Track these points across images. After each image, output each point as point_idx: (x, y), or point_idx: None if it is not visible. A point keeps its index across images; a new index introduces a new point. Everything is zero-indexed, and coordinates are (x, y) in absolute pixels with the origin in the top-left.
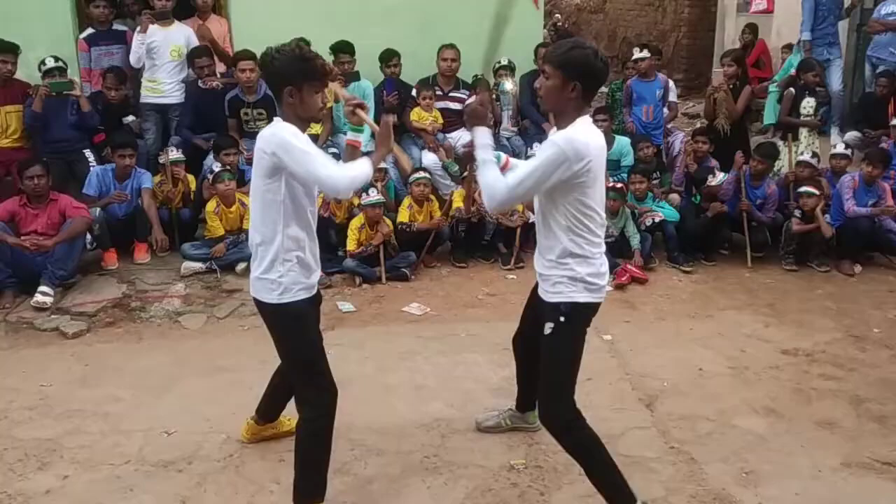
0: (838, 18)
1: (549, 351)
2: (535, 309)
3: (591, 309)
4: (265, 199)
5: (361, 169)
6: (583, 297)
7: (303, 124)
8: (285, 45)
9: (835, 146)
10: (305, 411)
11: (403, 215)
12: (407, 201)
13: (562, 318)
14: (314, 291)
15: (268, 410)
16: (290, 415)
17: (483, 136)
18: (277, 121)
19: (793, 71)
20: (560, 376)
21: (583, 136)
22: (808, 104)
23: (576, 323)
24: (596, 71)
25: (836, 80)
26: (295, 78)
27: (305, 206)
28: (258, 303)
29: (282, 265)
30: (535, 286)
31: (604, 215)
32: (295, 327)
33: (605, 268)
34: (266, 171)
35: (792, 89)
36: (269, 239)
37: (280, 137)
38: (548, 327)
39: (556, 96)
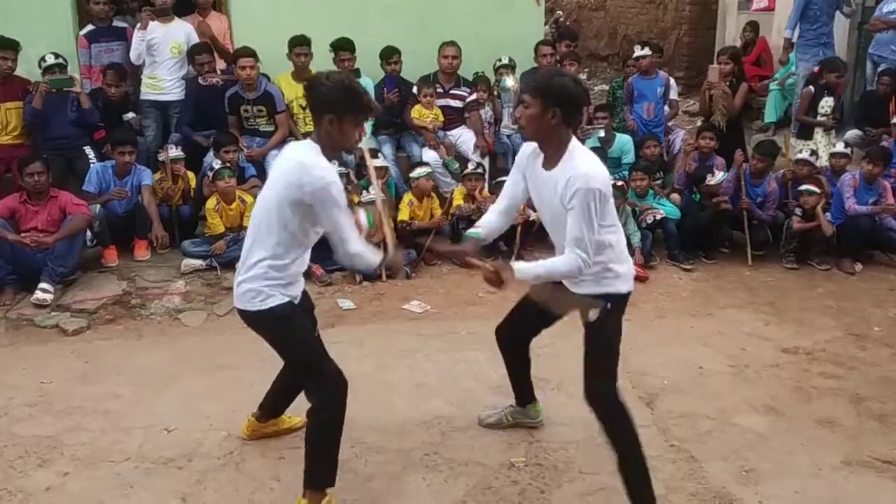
0: (833, 18)
1: (595, 336)
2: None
3: (628, 297)
4: (275, 220)
5: (372, 259)
6: (624, 287)
7: (334, 152)
8: (335, 74)
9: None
10: (313, 402)
11: (404, 213)
12: (407, 198)
13: (608, 306)
14: (297, 300)
15: (272, 406)
16: (291, 412)
17: (525, 271)
18: (310, 146)
19: (815, 68)
20: (607, 359)
21: (592, 164)
22: (826, 104)
23: (619, 311)
24: (575, 97)
25: None
26: (339, 108)
27: (310, 234)
28: (241, 313)
29: (266, 279)
30: None
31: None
32: (282, 329)
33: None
34: (291, 203)
35: (811, 87)
36: (265, 253)
37: (322, 185)
38: (593, 314)
39: (537, 124)
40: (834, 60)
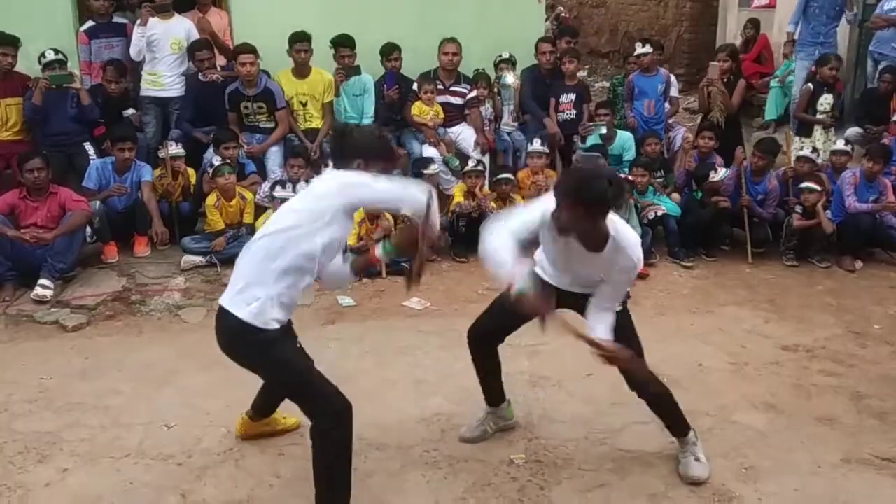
0: (834, 19)
1: (624, 327)
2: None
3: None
4: (296, 244)
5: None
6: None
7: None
8: (367, 126)
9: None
10: (318, 431)
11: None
12: None
13: (627, 299)
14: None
15: (263, 406)
16: (286, 412)
17: (602, 329)
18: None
19: (812, 68)
20: (638, 344)
21: (636, 243)
22: (825, 101)
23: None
24: (610, 197)
25: None
26: (368, 153)
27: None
28: (225, 312)
29: (267, 302)
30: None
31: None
32: (278, 352)
33: None
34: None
35: (810, 84)
36: (266, 280)
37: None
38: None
39: (592, 232)
40: (825, 55)
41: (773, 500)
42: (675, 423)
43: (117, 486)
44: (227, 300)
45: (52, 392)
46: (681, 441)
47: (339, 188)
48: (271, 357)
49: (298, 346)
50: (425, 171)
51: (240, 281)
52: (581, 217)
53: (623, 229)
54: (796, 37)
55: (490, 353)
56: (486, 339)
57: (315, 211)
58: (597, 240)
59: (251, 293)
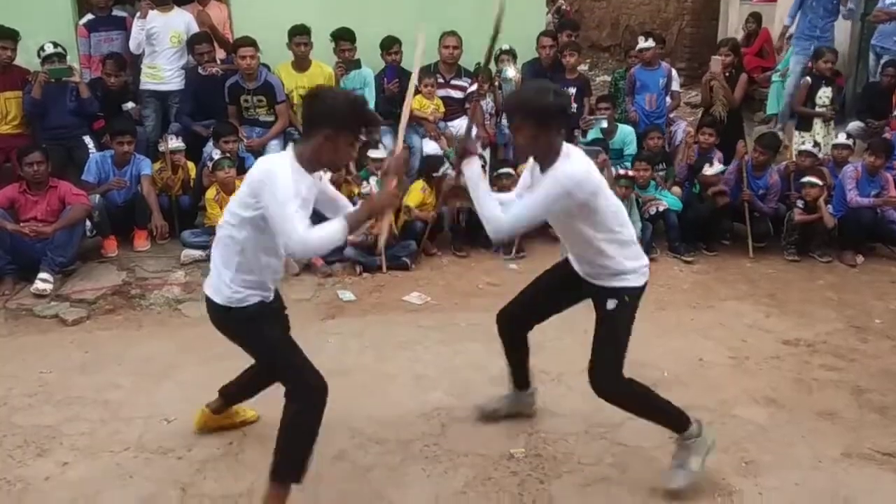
0: (831, 13)
1: (611, 324)
2: (558, 292)
3: (643, 290)
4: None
5: (331, 236)
6: (637, 281)
7: (314, 167)
8: (339, 91)
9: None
10: (292, 403)
11: (413, 197)
12: (419, 185)
13: (626, 297)
14: (270, 298)
15: (234, 394)
16: (249, 405)
17: (473, 168)
18: (286, 158)
19: (809, 63)
20: (617, 347)
21: (577, 166)
22: (823, 94)
23: (635, 302)
24: (557, 107)
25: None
26: (336, 122)
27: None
28: (206, 298)
29: (237, 281)
30: (557, 267)
31: (622, 207)
32: (249, 329)
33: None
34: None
35: (808, 78)
36: (230, 264)
37: (264, 174)
38: (611, 303)
39: (534, 144)
40: (819, 48)
41: (774, 494)
42: (666, 421)
43: (117, 480)
44: (206, 286)
45: (52, 386)
46: (678, 440)
47: (247, 185)
48: (250, 331)
49: (284, 324)
50: (435, 175)
51: (213, 267)
52: (532, 131)
53: (577, 153)
54: (793, 30)
55: (515, 336)
56: (511, 320)
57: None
58: (548, 156)
59: (221, 278)
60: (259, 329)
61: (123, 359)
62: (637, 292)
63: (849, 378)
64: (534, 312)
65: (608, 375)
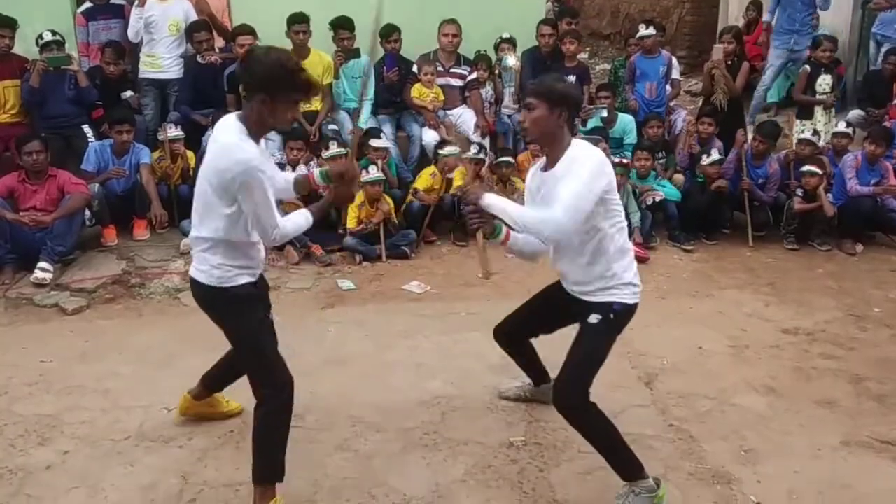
0: (809, 6)
1: (588, 340)
2: (551, 313)
3: (633, 311)
4: (211, 204)
5: (299, 223)
6: (631, 298)
7: (263, 132)
8: (275, 51)
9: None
10: (261, 406)
11: (423, 181)
12: (430, 170)
13: (612, 315)
14: (256, 277)
15: (213, 380)
16: (230, 396)
17: (490, 197)
18: (235, 125)
19: (806, 52)
20: (589, 365)
21: (594, 151)
22: (823, 81)
23: (621, 321)
24: (576, 100)
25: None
26: (271, 87)
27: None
28: (193, 282)
29: (218, 258)
30: (551, 289)
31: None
32: (232, 311)
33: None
34: (220, 190)
35: (807, 66)
36: (209, 241)
37: (243, 170)
38: (594, 318)
39: (544, 125)
40: (817, 37)
41: (772, 482)
42: (619, 462)
43: (118, 469)
44: (192, 268)
45: (53, 375)
46: (628, 485)
47: (215, 176)
48: (228, 314)
49: (265, 315)
50: (441, 152)
51: (196, 251)
52: (545, 114)
53: (583, 145)
54: (773, 24)
55: (520, 347)
56: (508, 336)
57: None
58: (556, 148)
59: (204, 260)
60: (241, 311)
61: (123, 348)
62: (625, 310)
63: (847, 367)
64: (527, 331)
65: (572, 391)
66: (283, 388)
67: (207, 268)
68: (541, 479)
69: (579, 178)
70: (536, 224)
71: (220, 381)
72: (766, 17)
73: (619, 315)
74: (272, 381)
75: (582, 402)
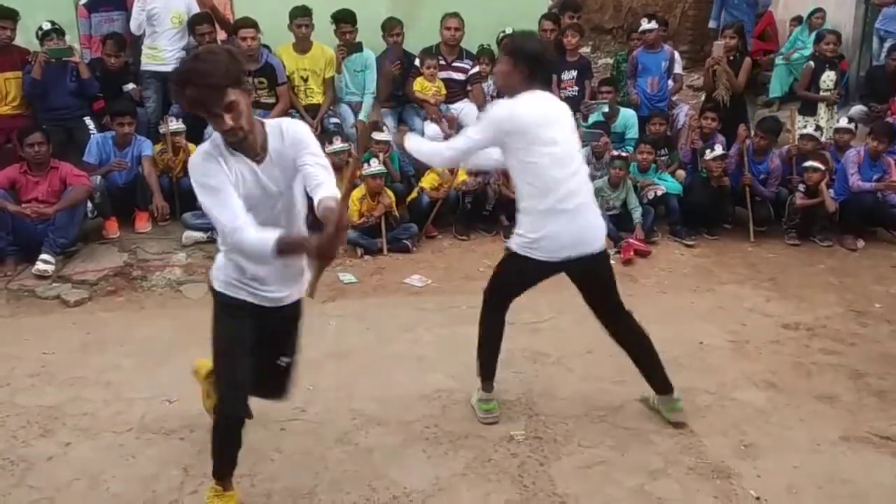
0: (753, 7)
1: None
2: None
3: (524, 260)
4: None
5: (263, 244)
6: (519, 248)
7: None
8: (217, 53)
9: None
10: (216, 403)
11: (430, 179)
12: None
13: (508, 251)
14: (253, 297)
15: None
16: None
17: (413, 140)
18: (208, 142)
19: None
20: (494, 278)
21: (512, 104)
22: (828, 77)
23: (516, 262)
24: (537, 56)
25: None
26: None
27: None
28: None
29: (219, 258)
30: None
31: (561, 180)
32: (215, 313)
33: (550, 235)
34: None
35: (811, 62)
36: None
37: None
38: (507, 242)
39: (505, 78)
40: (820, 31)
41: (772, 477)
42: (478, 356)
43: (119, 461)
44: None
45: (54, 366)
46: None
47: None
48: (213, 314)
49: (246, 323)
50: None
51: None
52: (509, 69)
53: (527, 97)
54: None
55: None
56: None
57: None
58: (512, 96)
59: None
60: (217, 317)
61: (125, 340)
62: (514, 254)
63: (848, 362)
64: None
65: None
66: (223, 416)
67: (214, 265)
68: (541, 473)
69: (477, 122)
70: (429, 154)
71: None
72: (711, 24)
73: (511, 254)
74: (219, 404)
75: (484, 304)
